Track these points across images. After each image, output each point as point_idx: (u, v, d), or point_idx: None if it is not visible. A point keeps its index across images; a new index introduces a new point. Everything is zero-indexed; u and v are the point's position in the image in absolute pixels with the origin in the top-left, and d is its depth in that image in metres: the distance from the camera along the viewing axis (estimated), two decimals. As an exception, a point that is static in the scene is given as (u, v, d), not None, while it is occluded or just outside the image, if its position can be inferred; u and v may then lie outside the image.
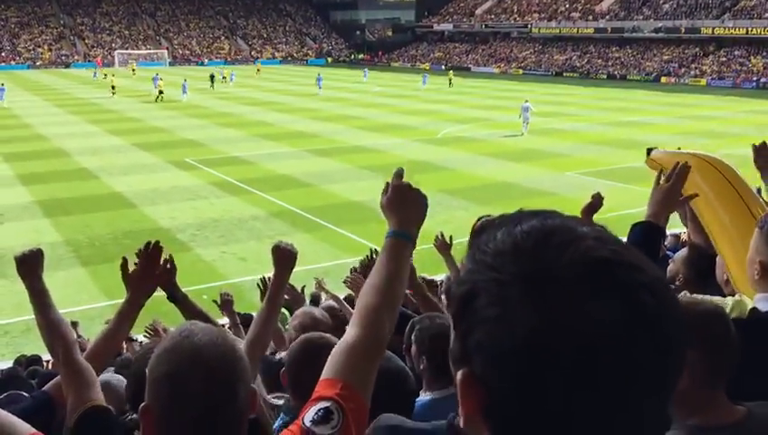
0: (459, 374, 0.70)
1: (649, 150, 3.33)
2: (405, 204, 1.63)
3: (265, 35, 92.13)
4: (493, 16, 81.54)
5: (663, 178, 2.35)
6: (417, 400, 2.42)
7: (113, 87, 43.80)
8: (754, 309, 2.02)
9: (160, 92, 40.82)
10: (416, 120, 33.29)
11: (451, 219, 16.18)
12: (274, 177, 20.80)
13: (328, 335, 2.45)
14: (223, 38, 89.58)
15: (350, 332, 1.42)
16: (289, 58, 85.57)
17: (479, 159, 23.50)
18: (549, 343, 0.63)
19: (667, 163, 3.30)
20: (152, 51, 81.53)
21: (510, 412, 0.67)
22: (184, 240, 14.65)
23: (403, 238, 1.57)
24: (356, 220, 16.06)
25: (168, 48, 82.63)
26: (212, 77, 49.76)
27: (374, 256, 4.37)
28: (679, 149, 3.60)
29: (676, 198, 2.36)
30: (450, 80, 52.79)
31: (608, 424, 0.64)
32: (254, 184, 19.62)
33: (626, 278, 0.65)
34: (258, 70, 64.66)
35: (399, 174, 1.71)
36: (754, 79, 51.83)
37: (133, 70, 63.88)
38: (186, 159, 23.35)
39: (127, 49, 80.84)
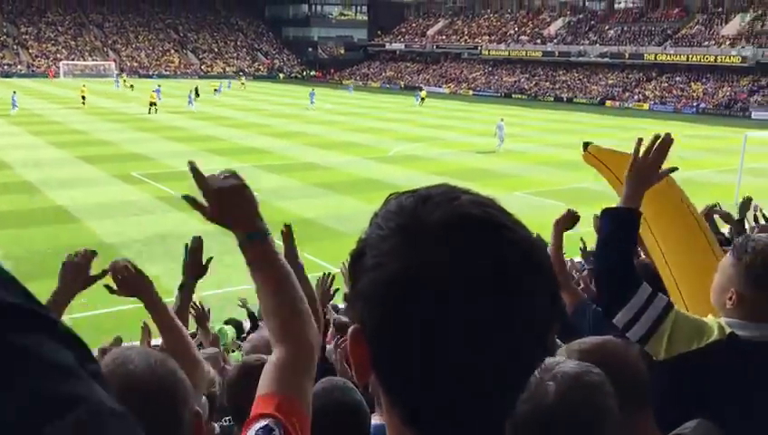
0: (349, 330, 0.77)
1: (586, 145, 3.29)
2: (232, 204, 1.48)
3: (216, 49, 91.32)
4: (444, 37, 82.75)
5: (641, 153, 2.24)
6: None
7: (84, 97, 43.08)
8: (733, 334, 2.02)
9: (152, 104, 40.29)
10: (367, 137, 33.39)
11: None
12: (224, 192, 20.49)
13: (267, 357, 2.35)
14: (173, 51, 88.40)
15: (274, 352, 1.37)
16: (240, 73, 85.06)
17: (430, 177, 23.66)
18: (413, 283, 0.70)
19: (606, 159, 3.32)
20: (99, 62, 79.85)
21: (389, 356, 0.73)
22: (129, 256, 14.24)
23: (255, 238, 1.45)
24: (307, 238, 15.92)
25: (115, 60, 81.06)
26: (196, 90, 49.05)
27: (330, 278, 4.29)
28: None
29: (655, 173, 2.25)
30: (423, 98, 53.93)
31: (470, 364, 0.70)
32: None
33: (492, 234, 0.72)
34: (243, 84, 64.55)
35: (194, 168, 1.50)
36: (694, 104, 53.82)
37: (131, 86, 61.34)
38: (132, 173, 22.83)
39: (73, 60, 78.97)
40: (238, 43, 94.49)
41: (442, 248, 0.71)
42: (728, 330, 2.01)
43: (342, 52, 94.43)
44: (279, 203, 19.37)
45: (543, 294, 0.73)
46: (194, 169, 1.48)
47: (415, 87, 71.52)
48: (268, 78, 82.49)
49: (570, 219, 3.50)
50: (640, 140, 2.28)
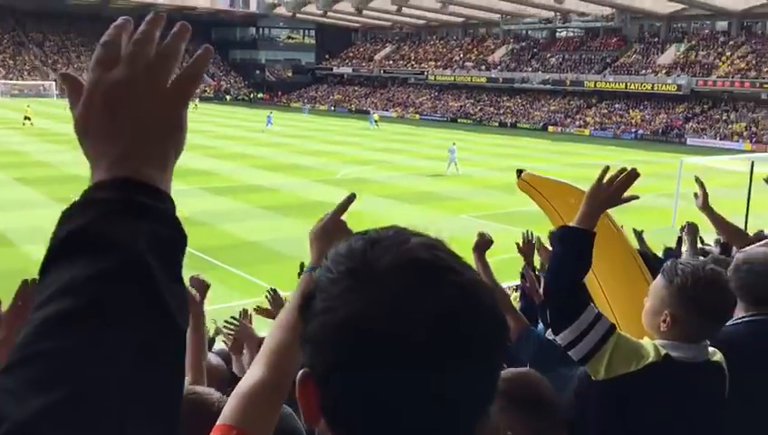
0: (299, 374, 0.77)
1: (520, 171, 3.36)
2: (337, 240, 1.51)
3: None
4: (391, 62, 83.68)
5: (605, 180, 2.30)
6: None
7: (28, 118, 41.80)
8: (668, 355, 2.08)
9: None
10: (315, 160, 33.36)
11: (349, 260, 16.21)
12: (168, 215, 20.10)
13: (207, 392, 2.12)
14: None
15: (255, 371, 1.30)
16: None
17: (377, 200, 23.76)
18: (362, 328, 0.70)
19: (539, 186, 3.41)
20: (39, 82, 77.73)
21: (337, 401, 0.73)
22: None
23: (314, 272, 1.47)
24: (253, 261, 15.76)
25: (56, 80, 79.03)
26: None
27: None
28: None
29: (614, 200, 2.31)
30: (377, 121, 54.72)
31: (418, 410, 0.70)
32: (146, 222, 18.89)
33: (440, 278, 0.73)
34: (196, 105, 62.62)
35: (350, 201, 1.62)
36: (633, 130, 55.67)
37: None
38: (71, 196, 21.93)
39: (11, 79, 76.66)
40: (184, 64, 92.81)
41: (391, 293, 0.71)
42: (663, 352, 2.07)
43: (290, 74, 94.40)
44: (225, 226, 19.13)
45: (491, 337, 0.74)
46: (348, 202, 1.62)
47: (364, 111, 71.99)
48: (215, 100, 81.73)
49: (484, 243, 3.61)
50: (607, 168, 2.35)
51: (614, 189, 2.29)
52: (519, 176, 3.31)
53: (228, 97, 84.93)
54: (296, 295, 1.42)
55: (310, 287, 0.78)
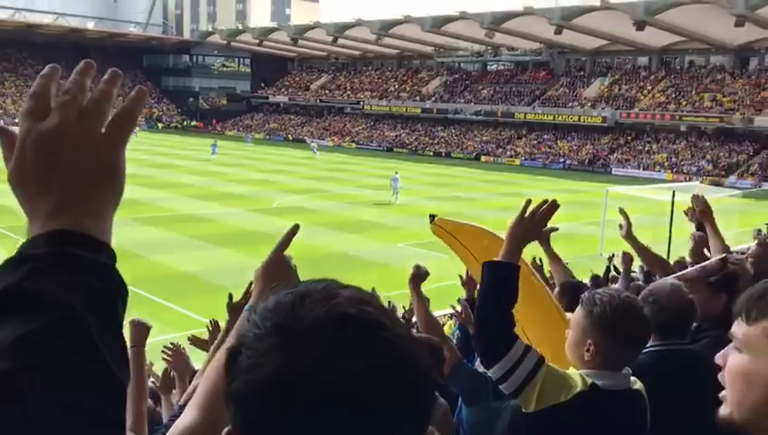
0: (223, 432, 0.75)
1: (432, 217, 3.47)
2: (279, 280, 1.48)
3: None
4: (327, 92, 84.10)
5: (528, 213, 2.36)
6: None
7: None
8: (594, 384, 2.13)
9: None
10: (250, 189, 33.03)
11: (285, 290, 16.01)
12: (96, 246, 19.45)
13: None
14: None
15: (188, 416, 1.29)
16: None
17: (314, 229, 23.66)
18: (286, 386, 0.69)
19: (453, 230, 3.50)
20: (-42, 107, 74.48)
21: None
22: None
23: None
24: (186, 293, 15.40)
25: (-23, 105, 75.96)
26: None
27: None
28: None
29: (537, 232, 2.38)
30: (315, 148, 55.68)
31: None
32: (73, 254, 18.23)
33: (368, 334, 0.72)
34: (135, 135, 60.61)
35: (293, 234, 1.56)
36: (561, 160, 57.47)
37: None
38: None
39: (-73, 104, 73.17)
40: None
41: (317, 350, 0.70)
42: (590, 381, 2.14)
43: (225, 102, 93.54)
44: (156, 257, 18.65)
45: (419, 391, 0.73)
46: (291, 235, 1.54)
47: (300, 139, 71.87)
48: (146, 127, 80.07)
49: (419, 275, 3.68)
50: (528, 201, 2.41)
51: (535, 222, 2.36)
52: (432, 221, 3.39)
53: (160, 124, 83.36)
54: (232, 336, 1.42)
55: (235, 343, 0.76)
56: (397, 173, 32.20)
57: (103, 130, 0.83)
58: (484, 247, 2.58)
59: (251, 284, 2.70)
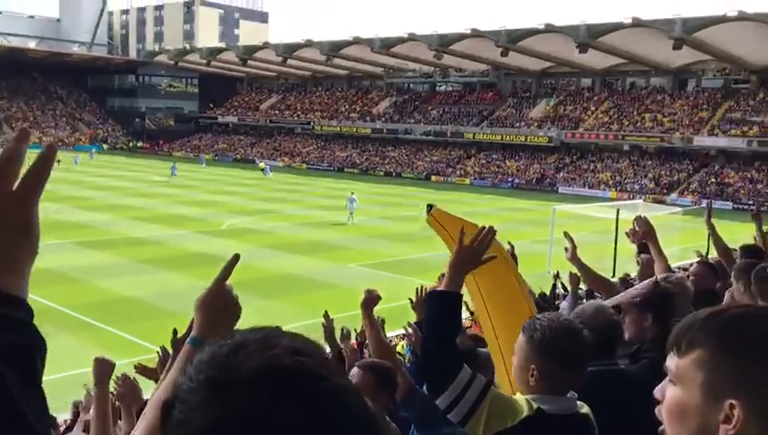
0: None
1: (430, 207, 3.38)
2: (221, 310, 1.45)
3: (32, 118, 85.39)
4: (277, 112, 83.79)
5: (465, 240, 2.36)
6: None
7: None
8: (540, 409, 2.13)
9: None
10: (199, 211, 32.50)
11: (235, 314, 15.72)
12: (36, 272, 18.43)
13: None
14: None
15: None
16: (59, 144, 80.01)
17: (264, 251, 23.39)
18: None
19: (447, 223, 3.45)
20: None
21: None
22: None
23: (199, 346, 1.39)
24: (131, 318, 14.98)
25: None
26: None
27: None
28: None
29: (477, 262, 2.38)
30: (263, 169, 55.89)
31: None
32: (12, 280, 17.53)
33: (304, 386, 0.71)
34: (58, 162, 57.69)
35: (233, 264, 1.51)
36: (509, 179, 58.43)
37: None
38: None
39: None
40: (57, 112, 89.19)
41: (249, 404, 0.69)
42: (536, 405, 2.14)
43: (172, 123, 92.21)
44: (99, 281, 18.11)
45: None
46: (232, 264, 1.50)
47: (249, 160, 71.25)
48: (91, 149, 78.24)
49: (371, 300, 3.64)
50: (462, 229, 2.42)
51: (474, 251, 2.37)
52: (429, 211, 3.31)
53: (106, 146, 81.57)
54: (175, 372, 1.35)
55: (170, 395, 0.75)
56: (353, 194, 32.19)
57: (14, 188, 0.81)
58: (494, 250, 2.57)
59: (192, 319, 2.62)
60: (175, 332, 2.84)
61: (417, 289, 4.44)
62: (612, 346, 2.90)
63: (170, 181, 46.35)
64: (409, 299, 4.54)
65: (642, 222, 4.65)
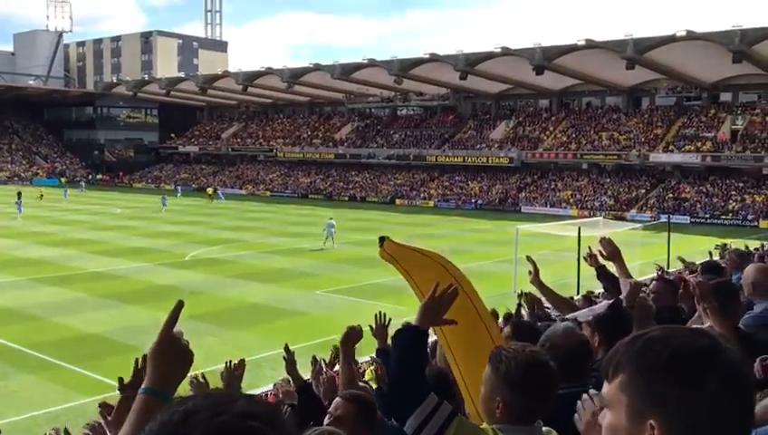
0: None
1: (382, 239, 3.31)
2: (172, 358, 1.43)
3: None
4: (239, 140, 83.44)
5: (437, 291, 2.40)
6: None
7: None
8: None
9: None
10: (162, 242, 32.02)
11: (200, 345, 15.44)
12: (-7, 311, 18.23)
13: None
14: (-68, 155, 79.32)
15: None
16: (15, 178, 78.34)
17: (229, 280, 23.12)
18: None
19: (399, 255, 3.42)
20: None
21: None
22: None
23: (159, 399, 1.36)
24: (93, 355, 14.60)
25: None
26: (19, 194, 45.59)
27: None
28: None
29: (439, 317, 2.41)
30: (210, 195, 56.74)
31: None
32: (-33, 320, 16.99)
33: None
34: (41, 196, 55.90)
35: (178, 310, 1.49)
36: (473, 201, 58.96)
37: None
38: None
39: None
40: (13, 146, 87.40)
41: None
42: None
43: (132, 154, 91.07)
44: (60, 318, 17.65)
45: None
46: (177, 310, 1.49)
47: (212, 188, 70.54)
48: (48, 183, 76.72)
49: (354, 336, 3.62)
50: (437, 284, 2.45)
51: (439, 304, 2.40)
52: (381, 245, 3.28)
53: (64, 179, 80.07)
54: (129, 426, 1.33)
55: None
56: (332, 219, 32.27)
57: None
58: (430, 281, 2.55)
59: (137, 361, 2.57)
60: (120, 380, 2.76)
61: (375, 315, 4.44)
62: (582, 366, 2.92)
63: (162, 212, 46.50)
64: (369, 326, 4.52)
65: (606, 242, 4.73)
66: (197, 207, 51.64)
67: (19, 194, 45.75)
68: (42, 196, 55.11)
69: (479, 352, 3.20)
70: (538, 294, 5.23)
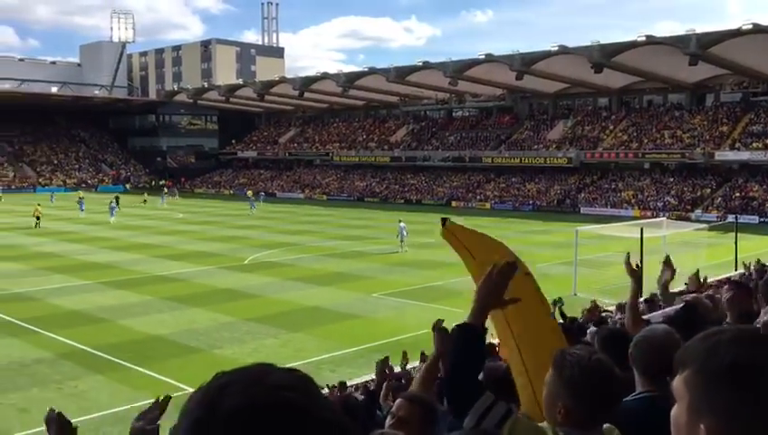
0: None
1: (444, 220, 3.27)
2: None
3: (56, 162, 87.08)
4: (296, 145, 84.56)
5: (494, 273, 2.34)
6: None
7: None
8: None
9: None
10: (222, 246, 32.70)
11: (260, 348, 15.70)
12: (63, 313, 18.98)
13: None
14: (6, 164, 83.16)
15: None
16: (83, 185, 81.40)
17: (287, 283, 23.42)
18: None
19: (462, 237, 3.36)
20: None
21: None
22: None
23: None
24: (158, 356, 15.00)
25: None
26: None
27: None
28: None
29: (499, 298, 2.36)
30: (252, 196, 58.12)
31: None
32: (39, 323, 17.72)
33: (286, 421, 0.74)
34: (145, 201, 59.33)
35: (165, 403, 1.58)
36: (530, 202, 58.16)
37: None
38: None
39: None
40: (80, 154, 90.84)
41: None
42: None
43: (193, 160, 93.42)
44: (126, 321, 18.21)
45: None
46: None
47: (271, 193, 71.66)
48: (114, 189, 79.39)
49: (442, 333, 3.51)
50: (494, 266, 2.39)
51: (496, 284, 2.34)
52: (443, 225, 3.23)
53: (128, 185, 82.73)
54: None
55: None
56: (401, 222, 32.42)
57: None
58: (491, 261, 2.48)
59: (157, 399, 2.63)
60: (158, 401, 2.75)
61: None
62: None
63: (252, 213, 50.22)
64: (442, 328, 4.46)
65: (667, 265, 4.79)
66: (257, 211, 52.52)
67: (117, 199, 49.06)
68: (145, 201, 59.15)
69: (543, 340, 3.13)
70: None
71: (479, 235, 3.33)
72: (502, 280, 2.34)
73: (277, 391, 0.76)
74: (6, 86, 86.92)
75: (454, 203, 61.21)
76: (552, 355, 3.15)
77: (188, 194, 76.55)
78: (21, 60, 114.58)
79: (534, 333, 3.16)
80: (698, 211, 47.89)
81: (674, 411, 1.11)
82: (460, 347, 2.31)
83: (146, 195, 63.44)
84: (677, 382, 1.10)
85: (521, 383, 3.07)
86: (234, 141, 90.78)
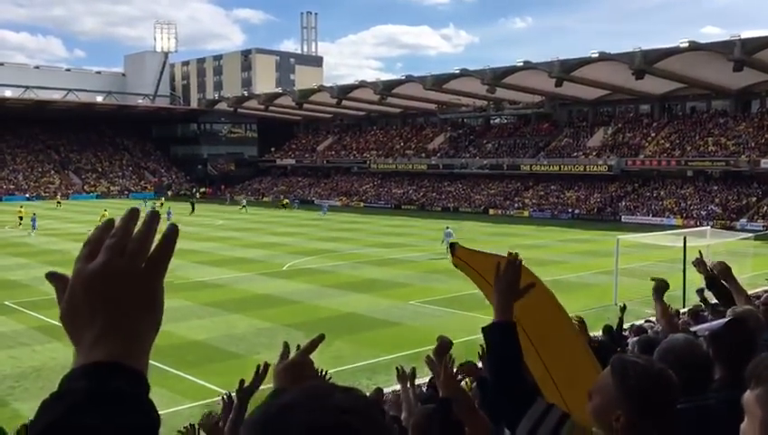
0: None
1: (453, 247, 3.24)
2: (301, 379, 1.56)
3: (100, 169, 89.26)
4: (333, 153, 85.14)
5: (501, 270, 2.39)
6: None
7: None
8: None
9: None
10: (260, 253, 33.08)
11: (298, 354, 15.81)
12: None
13: None
14: (53, 172, 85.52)
15: None
16: (126, 192, 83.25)
17: (325, 290, 23.56)
18: None
19: (473, 262, 3.36)
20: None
21: None
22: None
23: None
24: (198, 361, 15.24)
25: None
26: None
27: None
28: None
29: (515, 288, 2.38)
30: (285, 205, 61.69)
31: None
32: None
33: None
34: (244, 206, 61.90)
35: (319, 341, 1.70)
36: (569, 210, 57.46)
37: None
38: (5, 302, 21.28)
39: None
40: (124, 162, 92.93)
41: None
42: None
43: (233, 168, 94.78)
44: (166, 326, 18.47)
45: None
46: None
47: (308, 201, 72.31)
48: (156, 196, 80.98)
49: (443, 347, 3.56)
50: (499, 265, 2.42)
51: (508, 275, 2.36)
52: (453, 253, 3.25)
53: (170, 193, 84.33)
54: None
55: None
56: (449, 228, 32.56)
57: (143, 266, 0.87)
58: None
59: (258, 368, 2.69)
60: (242, 382, 2.88)
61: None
62: (703, 380, 2.78)
63: (322, 218, 53.25)
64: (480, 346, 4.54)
65: (718, 265, 4.69)
66: (294, 218, 52.98)
67: (161, 204, 51.29)
68: (245, 207, 62.10)
69: (564, 347, 3.11)
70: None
71: (488, 256, 3.31)
72: (512, 273, 2.37)
73: (340, 415, 0.75)
74: (54, 96, 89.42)
75: (491, 211, 60.84)
76: (575, 358, 3.12)
77: (223, 201, 77.63)
78: (68, 70, 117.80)
79: (553, 336, 3.13)
80: (743, 220, 46.71)
81: (744, 426, 1.10)
82: (498, 344, 2.27)
83: (245, 202, 66.24)
84: (749, 398, 1.09)
85: (546, 388, 3.05)
86: (273, 149, 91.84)
